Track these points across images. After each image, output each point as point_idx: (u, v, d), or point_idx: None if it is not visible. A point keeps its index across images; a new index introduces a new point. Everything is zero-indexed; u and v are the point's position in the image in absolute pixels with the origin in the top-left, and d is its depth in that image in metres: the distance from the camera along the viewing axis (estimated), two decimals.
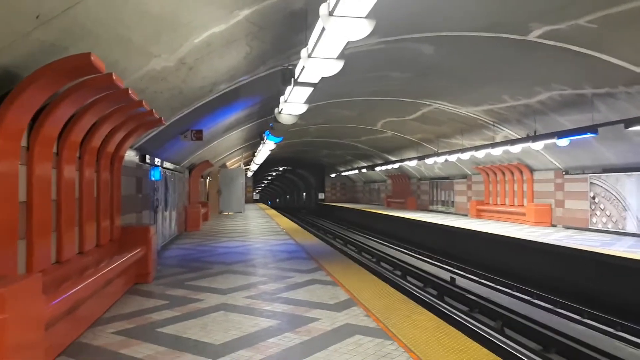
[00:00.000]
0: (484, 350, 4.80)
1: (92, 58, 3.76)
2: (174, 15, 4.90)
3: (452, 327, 5.53)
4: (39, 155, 4.63)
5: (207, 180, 25.54)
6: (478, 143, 18.19)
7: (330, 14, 3.89)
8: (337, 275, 8.58)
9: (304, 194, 60.90)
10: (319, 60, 5.12)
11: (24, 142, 4.39)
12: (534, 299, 11.89)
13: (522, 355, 7.77)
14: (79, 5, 3.70)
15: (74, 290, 4.81)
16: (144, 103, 5.68)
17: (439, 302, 11.48)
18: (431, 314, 6.08)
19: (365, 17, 3.92)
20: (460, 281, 13.65)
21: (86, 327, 5.54)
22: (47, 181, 4.91)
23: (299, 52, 8.17)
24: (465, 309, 10.95)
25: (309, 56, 5.07)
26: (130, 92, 5.00)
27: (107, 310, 6.35)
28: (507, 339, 8.71)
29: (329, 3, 3.87)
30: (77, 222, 5.90)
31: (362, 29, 3.99)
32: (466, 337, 5.21)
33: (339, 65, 5.25)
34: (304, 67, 5.69)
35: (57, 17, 3.66)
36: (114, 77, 4.34)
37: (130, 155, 9.04)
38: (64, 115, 4.77)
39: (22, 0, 3.33)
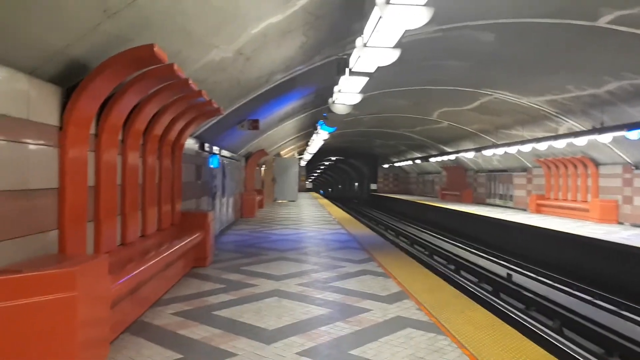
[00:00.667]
0: (541, 350, 4.64)
1: (155, 49, 3.91)
2: (234, 6, 4.99)
3: (507, 325, 5.38)
4: (106, 142, 4.88)
5: (262, 169, 26.01)
6: (539, 135, 17.43)
7: (387, 2, 3.83)
8: (389, 267, 8.53)
9: (356, 184, 60.76)
10: (374, 50, 5.07)
11: (92, 130, 4.64)
12: (596, 299, 11.33)
13: (582, 357, 7.45)
14: None
15: (137, 271, 5.05)
16: (203, 93, 5.84)
17: (494, 299, 11.18)
18: (485, 311, 5.93)
19: (424, 5, 3.84)
20: (517, 278, 13.22)
21: (147, 307, 5.82)
22: (113, 167, 5.17)
23: (354, 42, 8.14)
24: (521, 306, 10.61)
25: (365, 45, 5.03)
26: (190, 82, 5.16)
27: (167, 291, 6.64)
28: (566, 340, 8.37)
29: None
30: (140, 206, 6.18)
31: (419, 17, 3.91)
32: (522, 336, 5.05)
33: (395, 55, 5.17)
34: (359, 57, 5.64)
35: (122, 10, 3.81)
36: (175, 67, 4.50)
37: (190, 144, 9.34)
38: (129, 104, 4.99)
39: None
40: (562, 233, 14.40)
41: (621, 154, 15.75)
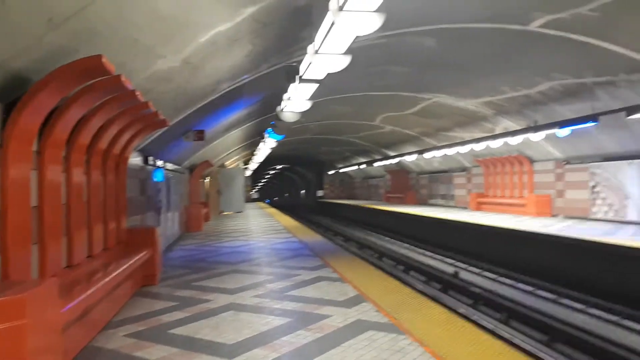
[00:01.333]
0: (497, 341, 4.83)
1: (103, 60, 3.75)
2: (184, 15, 4.88)
3: (463, 320, 5.56)
4: (50, 158, 4.61)
5: (207, 180, 25.50)
6: (477, 135, 18.20)
7: (341, 8, 3.88)
8: (344, 272, 8.59)
9: (303, 191, 60.92)
10: (326, 56, 5.11)
11: (34, 147, 4.37)
12: (537, 289, 11.92)
13: (530, 345, 7.81)
14: (91, 7, 3.68)
15: (86, 294, 4.78)
16: (149, 105, 5.66)
17: (444, 296, 11.51)
18: (441, 308, 6.10)
19: (375, 11, 3.91)
20: (463, 274, 13.69)
21: (98, 331, 5.52)
22: (57, 185, 4.89)
23: (301, 49, 8.19)
24: (470, 302, 10.98)
25: (316, 52, 5.05)
26: (137, 93, 4.98)
27: (117, 313, 6.33)
28: (515, 330, 8.75)
29: None
30: (86, 225, 5.88)
31: (372, 23, 3.98)
32: (477, 329, 5.23)
33: (346, 61, 5.24)
34: (310, 63, 5.67)
35: (68, 19, 3.63)
36: (122, 79, 4.33)
37: (134, 157, 9.01)
38: (74, 118, 4.75)
39: (36, 5, 3.30)
40: (502, 229, 15.07)
41: (553, 151, 16.74)
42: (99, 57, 3.71)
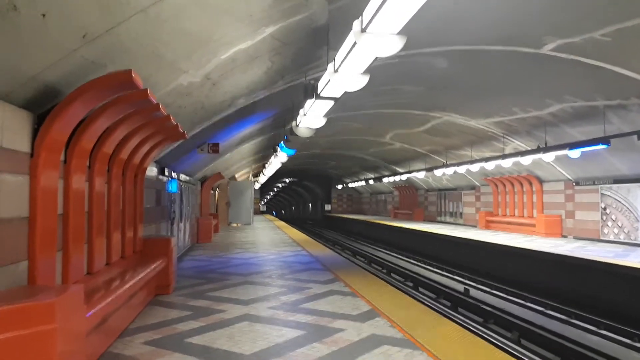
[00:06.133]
0: (511, 358, 4.86)
1: (133, 75, 3.90)
2: (207, 32, 5.05)
3: (477, 337, 5.58)
4: (76, 168, 4.76)
5: (217, 192, 25.68)
6: (487, 155, 18.27)
7: (363, 30, 4.00)
8: (355, 286, 8.63)
9: (310, 205, 60.97)
10: (345, 75, 5.23)
11: (61, 156, 4.52)
12: (547, 309, 11.87)
13: None
14: (123, 25, 3.84)
15: (107, 300, 4.89)
16: (172, 118, 5.81)
17: (454, 313, 11.48)
18: (455, 325, 6.12)
19: (397, 34, 4.04)
20: (473, 292, 13.65)
21: (115, 338, 5.61)
22: (81, 194, 5.03)
23: (317, 67, 8.36)
24: (479, 319, 10.96)
25: (336, 71, 5.18)
26: (161, 106, 5.14)
27: (133, 321, 6.42)
28: (525, 349, 8.72)
29: (362, 20, 3.99)
30: (105, 234, 6.01)
31: (393, 46, 4.10)
32: (493, 347, 5.25)
33: (364, 81, 5.35)
34: (328, 81, 5.80)
35: (101, 35, 3.79)
36: (149, 92, 4.48)
37: (151, 168, 9.17)
38: (100, 129, 4.91)
39: (74, 21, 3.47)
40: (515, 248, 15.04)
41: (563, 172, 16.74)
42: (129, 71, 3.86)
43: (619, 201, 14.77)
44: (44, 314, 3.26)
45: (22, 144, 3.93)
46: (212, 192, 22.40)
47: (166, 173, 10.44)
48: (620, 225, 14.82)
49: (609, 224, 15.27)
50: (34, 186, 4.02)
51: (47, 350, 3.25)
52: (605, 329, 10.08)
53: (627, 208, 14.49)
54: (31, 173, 4.02)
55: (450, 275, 17.35)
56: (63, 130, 4.21)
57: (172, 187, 11.37)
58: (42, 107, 4.13)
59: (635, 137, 10.21)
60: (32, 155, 4.03)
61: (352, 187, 44.99)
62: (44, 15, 3.24)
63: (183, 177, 13.31)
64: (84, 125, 4.62)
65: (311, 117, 7.71)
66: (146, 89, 4.46)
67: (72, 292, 3.71)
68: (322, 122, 7.98)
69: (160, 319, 6.56)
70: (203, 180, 18.91)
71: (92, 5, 3.46)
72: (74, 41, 3.66)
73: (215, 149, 11.34)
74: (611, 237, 15.14)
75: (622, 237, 14.68)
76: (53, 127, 4.03)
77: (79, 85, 3.97)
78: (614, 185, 14.94)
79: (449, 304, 12.65)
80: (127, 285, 5.77)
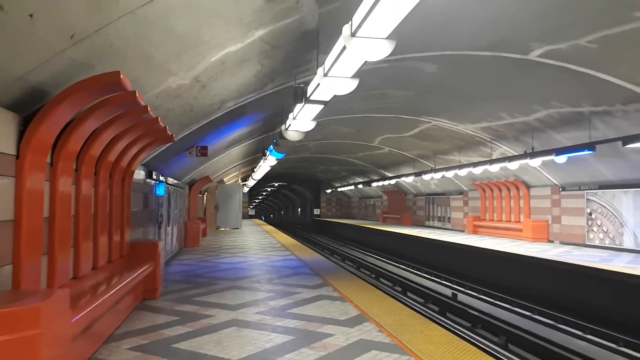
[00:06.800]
0: None
1: (122, 76, 3.86)
2: (196, 34, 5.02)
3: (465, 342, 5.59)
4: (62, 170, 4.69)
5: (205, 196, 25.54)
6: (475, 159, 18.41)
7: (353, 34, 4.01)
8: (344, 291, 8.62)
9: (299, 209, 60.88)
10: (334, 79, 5.24)
11: (48, 159, 4.46)
12: (535, 314, 11.96)
13: None
14: (111, 25, 3.81)
15: (93, 305, 4.82)
16: (160, 120, 5.76)
17: (442, 318, 11.51)
18: (443, 329, 6.13)
19: (386, 38, 4.05)
20: (461, 297, 13.70)
21: (101, 343, 5.53)
22: (68, 197, 4.96)
23: (306, 70, 8.37)
24: (467, 324, 11.00)
25: (325, 75, 5.19)
26: (149, 109, 5.09)
27: (119, 326, 6.34)
28: (512, 354, 8.77)
29: (351, 24, 3.99)
30: (92, 238, 5.94)
31: (382, 50, 4.11)
32: (481, 351, 5.27)
33: (353, 84, 5.37)
34: (318, 85, 5.80)
35: (89, 36, 3.75)
36: (137, 95, 4.44)
37: (138, 171, 9.09)
38: (87, 132, 4.85)
39: (62, 21, 3.42)
40: (501, 253, 15.14)
41: (549, 177, 16.92)
42: (117, 73, 3.82)
43: (604, 206, 14.96)
44: (28, 319, 3.19)
45: (8, 145, 3.86)
46: (200, 195, 22.26)
47: (154, 176, 10.35)
48: (605, 230, 14.99)
49: (595, 229, 15.45)
50: (19, 189, 3.96)
51: (31, 356, 3.18)
52: (591, 334, 10.17)
53: (612, 213, 14.67)
54: (17, 175, 3.95)
55: (439, 280, 17.41)
56: (50, 132, 4.16)
57: (160, 191, 11.28)
58: (28, 108, 4.07)
59: (620, 143, 10.35)
60: (17, 157, 3.97)
61: (342, 191, 45.04)
62: (31, 16, 3.20)
63: (171, 180, 13.21)
64: (71, 127, 4.56)
65: (300, 121, 7.71)
66: (134, 91, 4.41)
67: (57, 296, 3.64)
68: (311, 125, 7.98)
69: (147, 324, 6.49)
70: (191, 184, 18.79)
71: (80, 6, 3.43)
72: (61, 42, 3.61)
73: (203, 152, 11.28)
74: (596, 242, 15.31)
75: (607, 242, 14.85)
76: (39, 128, 3.97)
77: (66, 87, 3.93)
78: (599, 191, 15.12)
79: (437, 308, 12.68)
80: (113, 290, 5.70)
